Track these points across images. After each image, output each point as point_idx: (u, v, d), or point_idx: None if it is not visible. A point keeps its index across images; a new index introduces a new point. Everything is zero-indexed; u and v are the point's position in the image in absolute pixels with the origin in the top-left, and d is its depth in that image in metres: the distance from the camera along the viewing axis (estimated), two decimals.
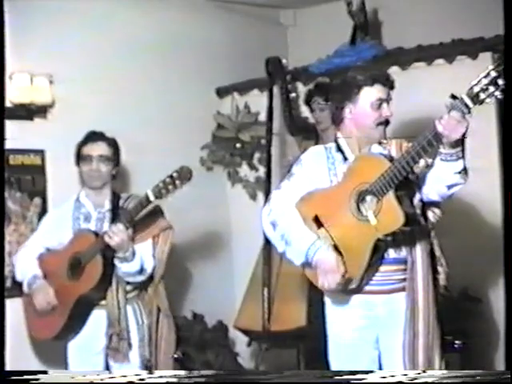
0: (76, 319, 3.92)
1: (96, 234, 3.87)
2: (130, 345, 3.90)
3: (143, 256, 3.90)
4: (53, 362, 4.28)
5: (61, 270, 3.91)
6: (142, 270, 3.91)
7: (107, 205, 4.00)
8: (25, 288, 4.00)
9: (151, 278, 3.99)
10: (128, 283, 3.92)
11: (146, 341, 3.95)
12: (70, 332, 3.94)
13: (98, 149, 3.98)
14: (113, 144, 4.02)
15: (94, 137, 4.01)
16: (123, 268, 3.83)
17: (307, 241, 3.23)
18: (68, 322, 3.90)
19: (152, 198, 3.69)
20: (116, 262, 3.83)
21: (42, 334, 4.03)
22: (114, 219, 3.88)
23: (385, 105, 3.23)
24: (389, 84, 3.26)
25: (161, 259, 3.99)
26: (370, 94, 3.22)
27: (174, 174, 3.65)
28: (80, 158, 4.01)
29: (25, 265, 4.02)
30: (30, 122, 4.52)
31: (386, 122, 3.24)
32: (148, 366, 3.92)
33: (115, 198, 4.03)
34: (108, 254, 3.81)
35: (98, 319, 3.91)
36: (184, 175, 3.66)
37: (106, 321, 3.88)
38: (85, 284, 3.84)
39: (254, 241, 4.76)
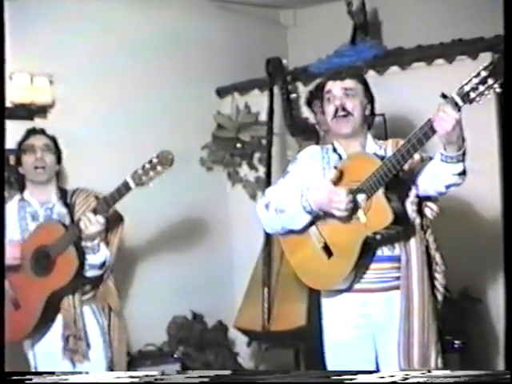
0: (48, 317, 3.72)
1: (64, 224, 3.70)
2: (88, 345, 3.74)
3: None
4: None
5: (23, 266, 3.72)
6: (104, 263, 3.77)
7: (54, 199, 3.86)
8: None
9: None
10: (84, 283, 3.77)
11: (107, 341, 3.82)
12: (40, 332, 3.75)
13: (41, 140, 3.87)
14: (53, 139, 3.91)
15: (34, 131, 3.91)
16: (89, 260, 3.67)
17: (296, 195, 3.22)
18: (40, 321, 3.70)
19: (132, 185, 3.51)
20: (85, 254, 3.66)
21: (12, 336, 3.62)
22: (63, 214, 3.77)
23: (336, 96, 3.27)
24: (338, 77, 3.30)
25: (111, 252, 3.80)
26: (324, 89, 3.34)
27: (154, 160, 3.48)
28: (22, 152, 3.86)
29: None
30: (31, 121, 4.52)
31: (345, 114, 3.25)
32: (111, 367, 3.80)
33: (61, 192, 3.90)
34: (80, 246, 3.64)
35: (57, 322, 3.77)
36: (164, 160, 3.46)
37: (62, 322, 3.72)
38: (58, 278, 3.64)
39: (254, 241, 4.77)
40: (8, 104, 4.32)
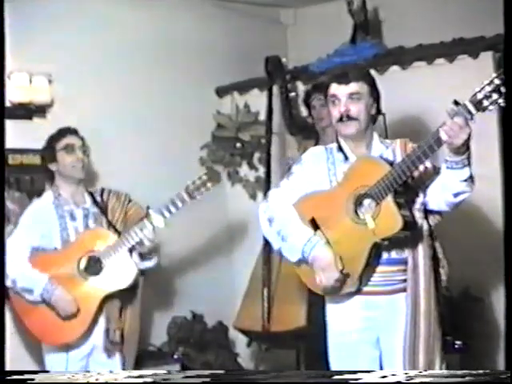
0: (96, 320, 3.87)
1: (117, 231, 3.89)
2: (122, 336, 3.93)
3: None
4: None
5: (70, 270, 3.84)
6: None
7: (88, 201, 4.00)
8: (36, 298, 3.82)
9: None
10: None
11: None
12: (87, 334, 3.88)
13: (78, 140, 4.00)
14: (83, 140, 4.04)
15: (69, 131, 4.01)
16: (145, 264, 3.95)
17: (303, 237, 3.21)
18: (91, 325, 3.85)
19: (187, 198, 3.86)
20: (137, 259, 3.89)
21: (60, 339, 3.86)
22: (97, 214, 3.95)
23: (341, 101, 3.22)
24: (344, 81, 3.23)
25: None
26: (329, 92, 3.28)
27: (203, 177, 3.87)
28: (62, 150, 3.96)
29: (23, 270, 3.83)
30: (29, 121, 4.51)
31: (349, 118, 3.20)
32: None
33: (89, 193, 4.04)
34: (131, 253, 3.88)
35: None
36: (213, 176, 3.90)
37: (105, 318, 3.86)
38: (113, 283, 3.82)
39: (254, 241, 4.75)
40: (7, 103, 4.30)
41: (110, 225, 3.96)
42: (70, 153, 3.95)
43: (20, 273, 3.82)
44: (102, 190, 4.08)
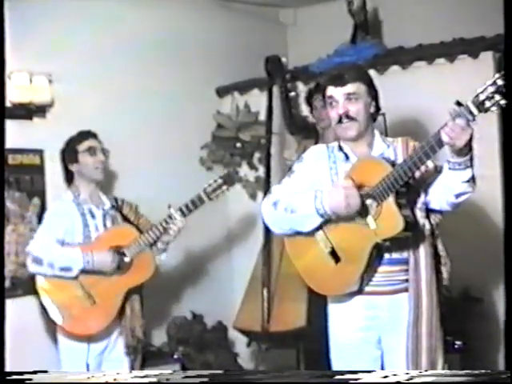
0: (120, 313, 3.98)
1: (138, 229, 4.03)
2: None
3: None
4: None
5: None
6: None
7: (106, 202, 4.11)
8: (75, 273, 3.90)
9: None
10: None
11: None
12: (111, 328, 3.98)
13: (97, 143, 4.10)
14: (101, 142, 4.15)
15: (90, 134, 4.11)
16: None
17: (310, 195, 3.17)
18: (116, 316, 3.95)
19: (206, 199, 4.09)
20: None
21: (87, 330, 3.95)
22: (114, 217, 4.08)
23: (338, 102, 3.20)
24: (340, 83, 3.21)
25: None
26: (326, 94, 3.27)
27: (219, 180, 4.09)
28: (80, 152, 4.05)
29: (57, 252, 3.92)
30: (29, 121, 4.50)
31: (348, 118, 3.19)
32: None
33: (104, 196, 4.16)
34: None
35: None
36: (229, 180, 4.13)
37: (129, 314, 3.99)
38: (137, 276, 3.98)
39: (254, 241, 4.75)
40: (7, 103, 4.29)
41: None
42: (92, 155, 4.06)
43: (55, 254, 3.91)
44: (116, 199, 4.19)
